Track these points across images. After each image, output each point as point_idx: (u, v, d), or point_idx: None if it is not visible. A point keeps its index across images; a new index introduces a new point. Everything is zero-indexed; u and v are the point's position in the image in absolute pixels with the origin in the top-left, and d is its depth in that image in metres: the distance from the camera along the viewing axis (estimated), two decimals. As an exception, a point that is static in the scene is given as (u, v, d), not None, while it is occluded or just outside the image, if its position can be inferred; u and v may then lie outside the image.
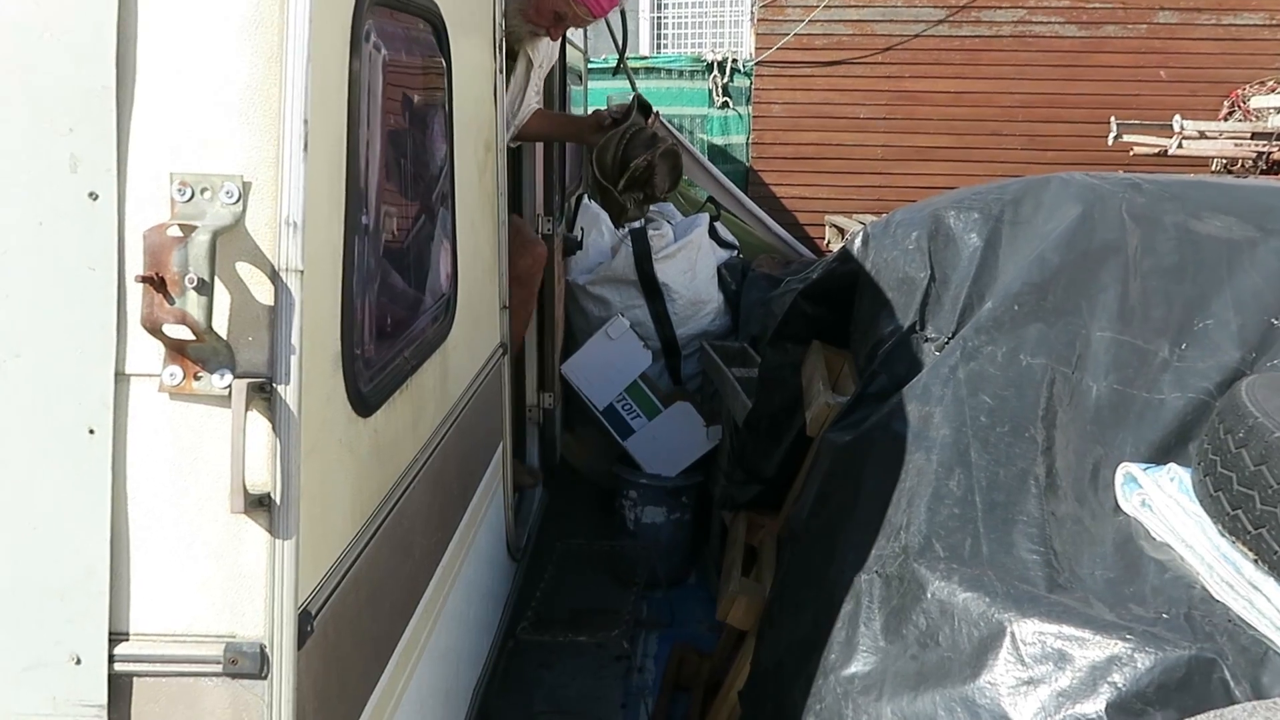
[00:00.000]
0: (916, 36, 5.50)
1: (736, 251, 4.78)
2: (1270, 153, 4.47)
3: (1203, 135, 4.71)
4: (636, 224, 4.00)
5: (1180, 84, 5.56)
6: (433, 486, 1.84)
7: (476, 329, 2.24)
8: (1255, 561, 1.55)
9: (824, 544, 2.03)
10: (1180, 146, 4.61)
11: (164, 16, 1.14)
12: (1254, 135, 4.56)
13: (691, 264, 4.19)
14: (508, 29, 2.70)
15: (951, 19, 5.48)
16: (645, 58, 6.29)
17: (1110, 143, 5.04)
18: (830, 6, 5.46)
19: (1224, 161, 4.94)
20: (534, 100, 3.22)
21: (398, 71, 1.62)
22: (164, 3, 1.14)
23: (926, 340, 2.24)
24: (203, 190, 1.12)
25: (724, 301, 4.40)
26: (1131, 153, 5.13)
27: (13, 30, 1.12)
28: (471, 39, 2.14)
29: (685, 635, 3.35)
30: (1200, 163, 5.05)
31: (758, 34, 5.59)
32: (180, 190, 1.12)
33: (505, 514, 2.66)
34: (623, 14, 3.68)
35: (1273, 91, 5.28)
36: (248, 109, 1.14)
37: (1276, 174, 4.62)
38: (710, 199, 5.16)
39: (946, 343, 2.18)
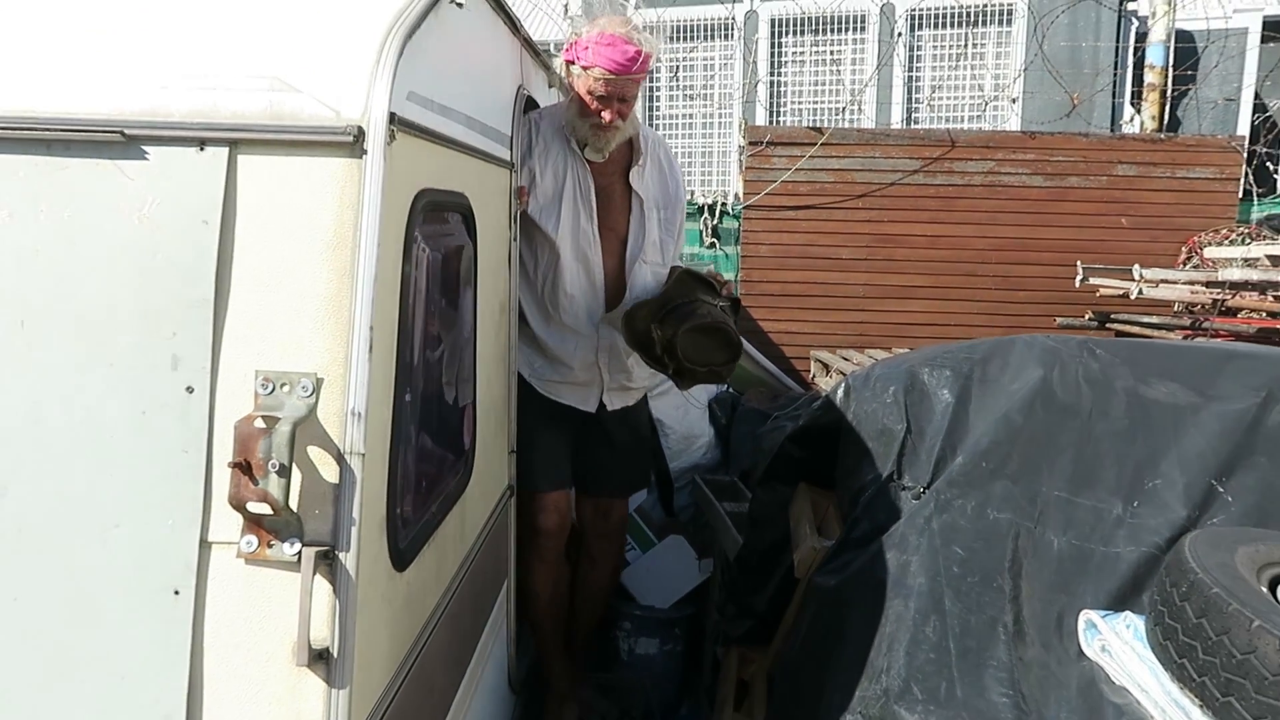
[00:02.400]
0: (893, 185, 5.88)
1: (727, 385, 5.01)
2: (1225, 299, 4.78)
3: (1163, 282, 5.03)
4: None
5: (1141, 230, 5.94)
6: (451, 628, 1.99)
7: (489, 475, 2.43)
8: (1201, 707, 1.71)
9: (812, 684, 2.18)
10: (1141, 293, 4.92)
11: (257, 240, 1.36)
12: (1209, 283, 4.87)
13: (684, 400, 4.40)
14: (583, 146, 2.83)
15: (926, 169, 5.87)
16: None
17: (1078, 284, 5.36)
18: (814, 156, 5.85)
19: (1184, 304, 5.25)
20: (664, 236, 3.03)
21: (437, 263, 1.85)
22: (258, 228, 1.36)
23: (904, 489, 2.43)
24: (282, 385, 1.32)
25: (715, 435, 4.60)
26: (1098, 294, 5.45)
27: (130, 251, 1.35)
28: (492, 214, 2.39)
29: (677, 769, 3.42)
30: (1163, 304, 5.36)
31: (745, 180, 5.97)
32: (264, 385, 1.32)
33: (508, 648, 2.78)
34: None
35: (1226, 239, 5.65)
36: (323, 317, 1.35)
37: (1232, 318, 4.91)
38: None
39: (922, 492, 2.37)
